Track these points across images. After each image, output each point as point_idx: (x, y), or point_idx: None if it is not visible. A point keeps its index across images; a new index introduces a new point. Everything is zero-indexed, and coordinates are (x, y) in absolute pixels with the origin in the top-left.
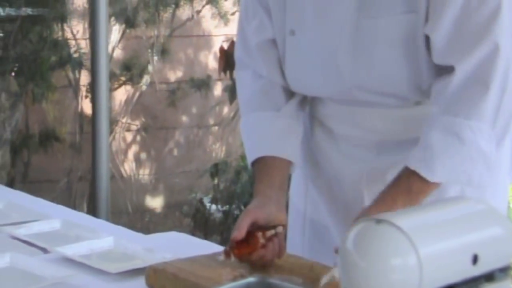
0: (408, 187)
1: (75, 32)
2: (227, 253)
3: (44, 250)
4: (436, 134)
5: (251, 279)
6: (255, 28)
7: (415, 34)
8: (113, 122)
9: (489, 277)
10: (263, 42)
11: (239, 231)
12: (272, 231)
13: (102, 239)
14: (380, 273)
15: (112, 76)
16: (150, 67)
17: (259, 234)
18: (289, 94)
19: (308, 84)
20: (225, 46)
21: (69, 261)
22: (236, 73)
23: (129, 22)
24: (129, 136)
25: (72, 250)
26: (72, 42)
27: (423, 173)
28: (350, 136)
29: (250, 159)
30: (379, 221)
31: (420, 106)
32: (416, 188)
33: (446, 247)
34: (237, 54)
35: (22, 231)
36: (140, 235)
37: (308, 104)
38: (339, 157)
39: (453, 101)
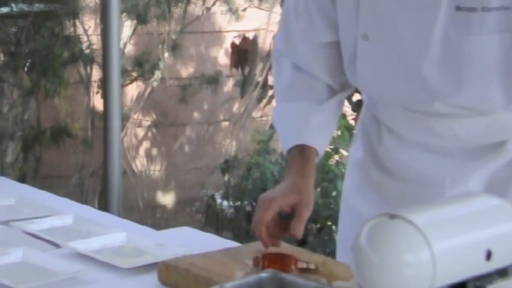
0: None
1: (87, 28)
2: (256, 262)
3: (57, 245)
4: None
5: (263, 275)
6: (304, 27)
7: (510, 53)
8: (124, 118)
9: (503, 272)
10: (312, 45)
11: (263, 227)
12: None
13: (114, 235)
14: (394, 269)
15: (124, 72)
16: (161, 63)
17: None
18: (332, 91)
19: (383, 90)
20: (237, 41)
21: (81, 256)
22: (274, 58)
23: (141, 18)
24: (140, 132)
25: (84, 245)
26: (84, 38)
27: None
28: (424, 144)
29: (288, 144)
30: (392, 217)
31: (504, 112)
32: None
33: (460, 242)
34: (277, 44)
35: (34, 227)
36: (152, 230)
37: (369, 108)
38: (412, 164)
39: None
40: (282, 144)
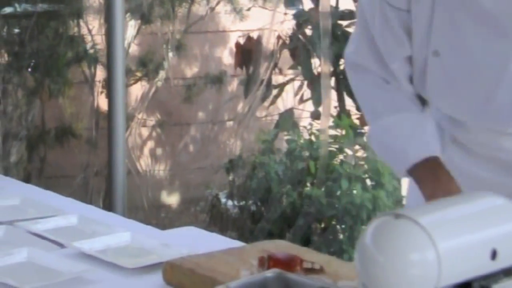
0: None
1: (91, 28)
2: (262, 263)
3: (61, 245)
4: None
5: (268, 274)
6: (391, 42)
7: None
8: (129, 118)
9: (508, 272)
10: (402, 59)
11: None
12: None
13: (119, 234)
14: (399, 268)
15: (128, 72)
16: (165, 63)
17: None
18: (421, 99)
19: (453, 108)
20: (241, 41)
21: (86, 256)
22: (351, 75)
23: (145, 18)
24: (145, 132)
25: (89, 245)
26: (88, 38)
27: None
28: (492, 159)
29: (414, 158)
30: (397, 216)
31: None
32: None
33: (465, 242)
34: (355, 59)
35: (39, 227)
36: (156, 230)
37: (432, 116)
38: (477, 174)
39: None
40: (397, 162)
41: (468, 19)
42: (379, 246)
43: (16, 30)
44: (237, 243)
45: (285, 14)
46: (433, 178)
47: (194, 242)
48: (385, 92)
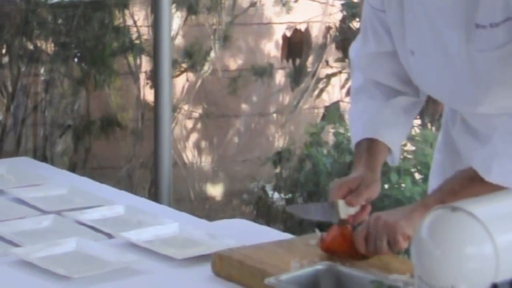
0: (466, 182)
1: (136, 18)
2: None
3: (109, 235)
4: (500, 136)
5: (319, 267)
6: (373, 40)
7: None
8: (174, 109)
9: None
10: (381, 53)
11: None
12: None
13: (166, 225)
14: (456, 262)
15: (174, 63)
16: (212, 54)
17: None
18: (400, 93)
19: (432, 92)
20: (288, 33)
21: (134, 247)
22: (351, 66)
23: (191, 9)
24: (190, 124)
25: (137, 235)
26: (133, 29)
27: (481, 171)
28: (483, 134)
29: (354, 141)
30: (454, 209)
31: None
32: (472, 184)
33: None
34: (351, 53)
35: (86, 216)
36: (203, 221)
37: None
38: (476, 146)
39: None
40: (351, 141)
41: (426, 22)
42: (435, 239)
43: (63, 20)
44: (286, 236)
45: (332, 5)
46: (358, 158)
47: (241, 233)
48: (363, 83)
